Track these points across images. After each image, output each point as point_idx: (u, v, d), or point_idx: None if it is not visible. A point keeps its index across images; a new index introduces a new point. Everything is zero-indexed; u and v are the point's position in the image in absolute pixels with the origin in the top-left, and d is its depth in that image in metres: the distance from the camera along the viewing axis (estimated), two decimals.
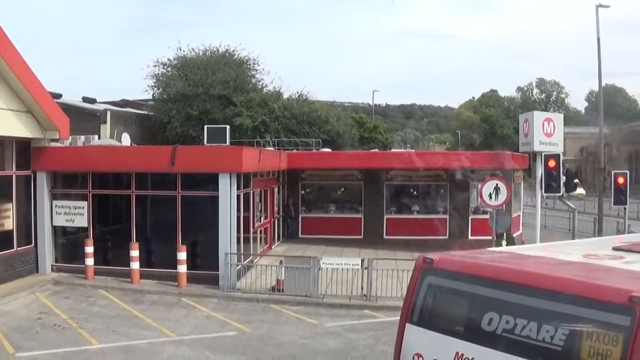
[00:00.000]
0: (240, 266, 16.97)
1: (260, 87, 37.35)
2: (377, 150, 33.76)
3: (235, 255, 16.64)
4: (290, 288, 15.60)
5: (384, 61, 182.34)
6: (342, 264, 16.01)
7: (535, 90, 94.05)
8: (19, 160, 17.11)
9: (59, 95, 25.61)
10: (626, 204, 19.23)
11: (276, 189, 24.03)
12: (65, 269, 17.58)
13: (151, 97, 36.21)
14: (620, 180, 18.84)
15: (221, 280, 16.08)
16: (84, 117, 25.68)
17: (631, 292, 4.34)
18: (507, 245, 14.89)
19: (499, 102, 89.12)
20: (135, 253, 16.68)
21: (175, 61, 35.26)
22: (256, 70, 37.37)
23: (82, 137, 20.65)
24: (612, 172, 19.93)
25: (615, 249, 6.25)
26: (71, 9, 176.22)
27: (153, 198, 18.10)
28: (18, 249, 16.86)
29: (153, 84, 35.28)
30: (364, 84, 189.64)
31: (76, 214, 17.62)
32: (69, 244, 18.12)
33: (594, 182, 49.74)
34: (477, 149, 68.44)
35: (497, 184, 15.29)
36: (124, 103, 35.62)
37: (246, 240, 18.62)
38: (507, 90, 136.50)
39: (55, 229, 17.83)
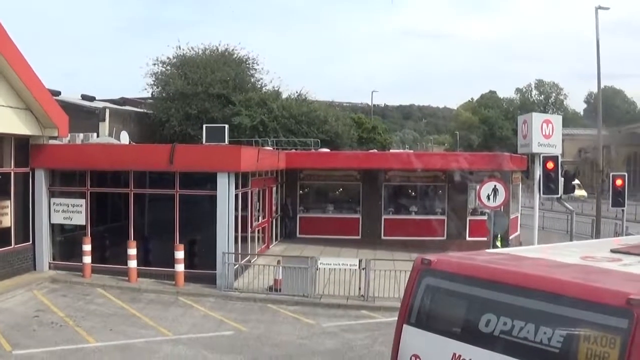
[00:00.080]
0: (237, 265, 16.97)
1: (259, 86, 37.29)
2: (375, 150, 33.71)
3: (233, 255, 16.63)
4: (288, 288, 15.60)
5: (383, 61, 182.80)
6: (339, 264, 16.00)
7: (534, 92, 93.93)
8: (17, 158, 17.10)
9: (58, 93, 25.61)
10: (624, 206, 19.23)
11: (274, 189, 24.01)
12: (62, 267, 17.57)
13: (150, 96, 36.16)
14: (619, 182, 18.83)
15: (219, 280, 16.07)
16: (82, 115, 25.71)
17: (629, 294, 4.35)
18: (501, 246, 14.89)
19: (498, 103, 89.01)
20: (132, 251, 16.66)
21: (175, 60, 35.22)
22: (255, 69, 37.41)
23: (81, 135, 20.66)
24: (611, 174, 19.92)
25: (613, 251, 6.26)
26: (71, 7, 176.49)
27: (151, 196, 18.07)
28: (16, 246, 16.86)
29: (152, 83, 35.32)
30: (363, 84, 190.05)
31: (74, 211, 17.62)
32: (66, 242, 18.09)
33: (592, 184, 49.77)
34: (475, 150, 68.58)
35: (495, 186, 15.27)
36: (123, 101, 35.57)
37: (244, 239, 18.63)
38: (506, 91, 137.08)
39: (53, 226, 17.83)
